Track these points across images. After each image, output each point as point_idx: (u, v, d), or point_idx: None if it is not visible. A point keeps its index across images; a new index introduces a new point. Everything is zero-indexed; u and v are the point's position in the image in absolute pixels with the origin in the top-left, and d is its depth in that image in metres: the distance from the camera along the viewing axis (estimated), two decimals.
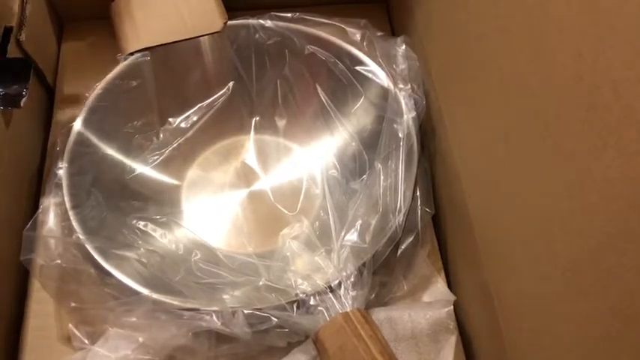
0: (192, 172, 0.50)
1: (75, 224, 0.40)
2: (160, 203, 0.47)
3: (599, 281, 0.27)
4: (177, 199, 0.48)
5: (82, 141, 0.44)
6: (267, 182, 0.49)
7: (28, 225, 0.39)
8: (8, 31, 0.45)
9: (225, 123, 0.51)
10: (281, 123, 0.51)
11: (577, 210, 0.28)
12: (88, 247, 0.37)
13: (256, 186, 0.49)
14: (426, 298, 0.41)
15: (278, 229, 0.46)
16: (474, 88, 0.39)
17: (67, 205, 0.41)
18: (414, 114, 0.43)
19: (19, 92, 0.42)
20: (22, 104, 0.42)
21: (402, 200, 0.41)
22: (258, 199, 0.49)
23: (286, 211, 0.48)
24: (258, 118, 0.52)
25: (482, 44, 0.38)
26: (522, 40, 0.33)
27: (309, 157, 0.50)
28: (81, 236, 0.39)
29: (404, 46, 0.46)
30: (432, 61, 0.46)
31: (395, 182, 0.42)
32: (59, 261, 0.37)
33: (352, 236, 0.39)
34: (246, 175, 0.50)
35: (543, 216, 0.32)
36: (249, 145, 0.52)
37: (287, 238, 0.45)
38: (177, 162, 0.50)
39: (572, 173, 0.29)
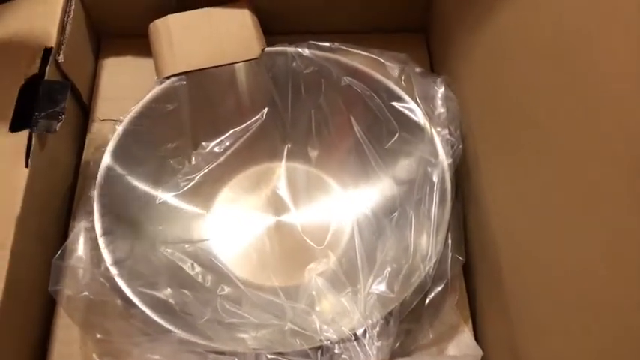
0: (222, 198, 0.50)
1: (104, 253, 0.40)
2: (189, 229, 0.47)
3: None
4: (205, 225, 0.48)
5: (114, 166, 0.44)
6: (296, 213, 0.49)
7: (58, 254, 0.39)
8: (47, 52, 0.45)
9: (257, 149, 0.51)
10: (313, 153, 0.51)
11: (616, 281, 0.27)
12: (117, 280, 0.38)
13: (285, 216, 0.49)
14: (452, 348, 0.41)
15: (304, 262, 0.46)
16: (514, 139, 0.38)
17: (97, 232, 0.41)
18: (450, 160, 0.42)
19: (55, 116, 0.43)
20: (57, 129, 0.42)
21: (433, 248, 0.40)
22: (286, 229, 0.48)
23: (313, 244, 0.47)
24: (290, 146, 0.51)
25: (525, 97, 0.37)
26: (569, 100, 0.32)
27: (339, 190, 0.50)
28: (110, 267, 0.39)
29: (443, 88, 0.45)
30: (471, 102, 0.45)
31: (427, 228, 0.41)
32: (86, 292, 0.37)
33: (380, 285, 0.39)
34: (275, 204, 0.49)
35: (578, 284, 0.31)
36: (280, 173, 0.51)
37: (313, 273, 0.45)
38: (208, 187, 0.50)
39: (612, 241, 0.28)
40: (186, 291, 0.38)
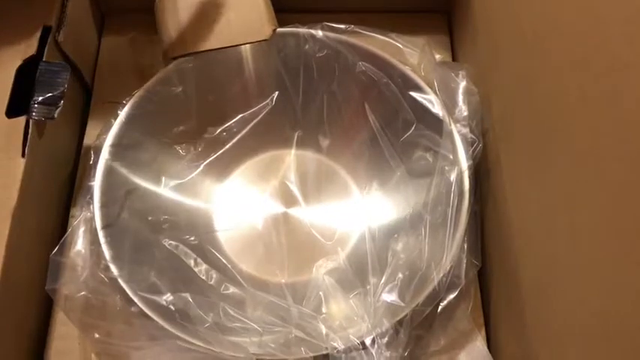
0: (229, 187, 0.48)
1: (104, 248, 0.38)
2: (194, 219, 0.46)
3: None
4: (210, 215, 0.47)
5: (115, 154, 0.42)
6: (304, 205, 0.47)
7: (55, 249, 0.38)
8: (47, 31, 0.42)
9: (266, 135, 0.48)
10: (325, 142, 0.48)
11: None
12: (118, 281, 0.36)
13: (293, 207, 0.47)
14: (463, 356, 0.39)
15: (312, 258, 0.44)
16: (543, 139, 0.35)
17: (97, 225, 0.39)
18: (470, 162, 0.40)
19: (54, 102, 0.40)
20: (56, 115, 0.40)
21: (448, 252, 0.38)
22: (294, 222, 0.47)
23: (322, 239, 0.46)
24: (300, 133, 0.49)
25: (560, 94, 0.34)
26: (610, 101, 0.29)
27: (351, 182, 0.48)
28: (109, 264, 0.37)
29: (465, 82, 0.42)
30: (495, 95, 0.42)
31: (442, 231, 0.39)
32: (85, 292, 0.36)
33: (392, 294, 0.37)
34: (283, 195, 0.47)
35: (604, 299, 0.29)
36: (289, 161, 0.49)
37: (321, 270, 0.43)
38: (214, 175, 0.48)
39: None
40: (188, 296, 0.36)
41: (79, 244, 0.39)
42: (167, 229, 0.43)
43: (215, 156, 0.47)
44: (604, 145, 0.29)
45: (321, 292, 0.41)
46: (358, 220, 0.46)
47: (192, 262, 0.41)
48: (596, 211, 0.30)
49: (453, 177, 0.40)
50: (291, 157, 0.49)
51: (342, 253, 0.45)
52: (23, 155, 0.38)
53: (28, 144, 0.39)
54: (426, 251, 0.38)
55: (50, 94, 0.41)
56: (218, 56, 0.46)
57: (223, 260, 0.42)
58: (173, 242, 0.42)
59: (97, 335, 0.36)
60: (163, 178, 0.45)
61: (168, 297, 0.36)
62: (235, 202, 0.48)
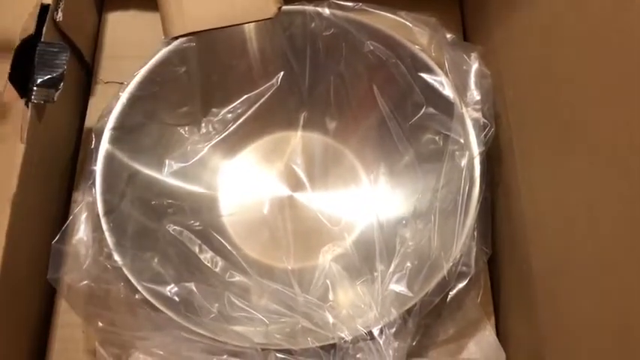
0: (234, 169, 0.47)
1: (107, 235, 0.37)
2: (198, 204, 0.45)
3: None
4: (215, 199, 0.46)
5: (116, 137, 0.41)
6: (311, 188, 0.46)
7: (57, 237, 0.37)
8: (44, 9, 0.41)
9: (271, 116, 0.47)
10: (332, 124, 0.47)
11: None
12: (124, 269, 0.35)
13: (299, 191, 0.46)
14: (473, 346, 0.38)
15: (318, 243, 0.44)
16: (558, 124, 0.34)
17: (100, 211, 0.38)
18: (482, 148, 0.39)
19: (53, 84, 0.39)
20: (55, 98, 0.39)
21: (457, 240, 0.37)
22: (300, 206, 0.46)
23: (329, 224, 0.45)
24: (306, 114, 0.48)
25: (578, 77, 0.32)
26: (626, 95, 0.28)
27: (358, 165, 0.47)
28: (113, 253, 0.36)
29: (477, 64, 0.40)
30: (508, 77, 0.40)
31: (452, 218, 0.38)
32: (87, 281, 0.35)
33: (400, 284, 0.36)
34: (289, 178, 0.47)
35: (618, 293, 0.28)
36: (295, 143, 0.48)
37: (327, 256, 0.42)
38: (219, 157, 0.47)
39: None
40: (193, 286, 0.36)
41: (81, 231, 0.38)
42: (171, 213, 0.43)
43: (219, 138, 0.46)
44: (625, 133, 0.28)
45: (327, 280, 0.40)
46: (365, 205, 0.45)
47: (196, 249, 0.40)
48: (616, 201, 0.29)
49: (463, 163, 0.39)
50: (297, 139, 0.48)
51: (349, 238, 0.44)
52: (22, 140, 0.37)
53: (27, 129, 0.37)
54: (435, 239, 0.37)
55: (49, 76, 0.39)
56: (221, 35, 0.44)
57: (228, 246, 0.42)
58: (177, 228, 0.41)
59: (100, 324, 0.36)
60: (167, 161, 0.44)
61: (172, 288, 0.35)
62: (240, 186, 0.47)
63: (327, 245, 0.43)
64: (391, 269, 0.37)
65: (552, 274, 0.34)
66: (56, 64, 0.40)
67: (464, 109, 0.40)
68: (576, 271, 0.32)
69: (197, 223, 0.43)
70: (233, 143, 0.47)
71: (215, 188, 0.46)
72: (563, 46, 0.34)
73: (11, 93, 0.38)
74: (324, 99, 0.47)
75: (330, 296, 0.39)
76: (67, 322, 0.39)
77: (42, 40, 0.40)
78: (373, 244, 0.41)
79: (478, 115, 0.39)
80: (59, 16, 0.42)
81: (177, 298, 0.35)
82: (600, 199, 0.30)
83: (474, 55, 0.41)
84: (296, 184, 0.46)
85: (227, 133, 0.46)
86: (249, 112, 0.46)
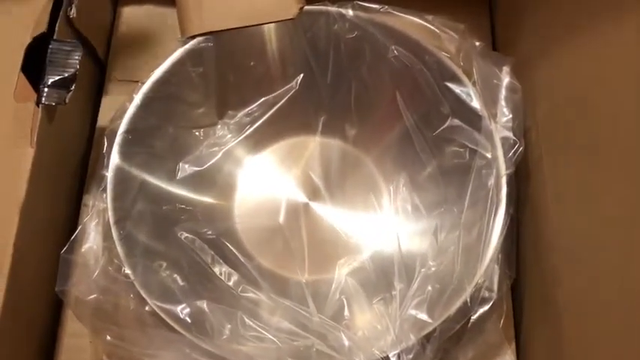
0: (249, 175, 0.46)
1: (117, 245, 0.36)
2: (211, 210, 0.44)
3: None
4: (229, 205, 0.44)
5: (129, 141, 0.40)
6: (328, 197, 0.45)
7: (66, 246, 0.36)
8: (57, 5, 0.39)
9: (289, 120, 0.46)
10: (351, 131, 0.46)
11: None
12: (135, 284, 0.34)
13: (316, 199, 0.45)
14: None
15: (334, 254, 0.42)
16: (595, 150, 0.32)
17: (111, 219, 0.37)
18: (511, 169, 0.37)
19: (65, 85, 0.38)
20: (67, 100, 0.37)
21: (480, 266, 0.36)
22: (316, 215, 0.44)
23: (345, 235, 0.43)
24: (325, 119, 0.46)
25: (615, 101, 0.31)
26: None
27: (377, 176, 0.45)
28: (123, 264, 0.35)
29: (508, 77, 0.38)
30: (541, 92, 0.39)
31: (476, 240, 0.36)
32: (96, 295, 0.34)
33: (420, 309, 0.34)
34: (306, 185, 0.45)
35: None
36: (313, 148, 0.46)
37: (344, 270, 0.41)
38: (234, 161, 0.45)
39: None
40: (205, 305, 0.34)
41: (91, 239, 0.37)
42: (183, 220, 0.41)
43: (235, 142, 0.44)
44: None
45: (343, 296, 0.39)
46: (384, 217, 0.43)
47: (209, 260, 0.39)
48: None
49: (490, 183, 0.37)
50: (315, 144, 0.46)
51: (366, 252, 0.42)
52: (32, 144, 0.36)
53: (37, 132, 0.36)
54: (459, 262, 0.36)
55: (61, 77, 0.38)
56: (240, 35, 0.42)
57: (241, 258, 0.40)
58: (190, 236, 0.40)
59: (108, 338, 0.35)
60: (180, 165, 0.43)
61: (184, 308, 0.34)
62: (255, 191, 0.45)
63: (344, 258, 0.42)
64: (411, 292, 0.35)
65: (580, 306, 0.33)
66: (69, 63, 0.38)
67: (492, 125, 0.39)
68: (606, 306, 0.31)
69: (210, 231, 0.41)
70: (249, 147, 0.46)
71: (229, 193, 0.45)
72: (602, 57, 0.32)
73: (21, 94, 0.37)
74: (344, 104, 0.45)
75: (346, 313, 0.38)
76: (75, 332, 0.38)
77: (55, 37, 0.39)
78: (391, 260, 0.40)
79: (509, 133, 0.38)
80: (73, 12, 0.40)
81: (189, 320, 0.34)
82: (639, 229, 0.28)
83: (505, 69, 0.39)
84: (312, 192, 0.45)
85: (243, 136, 0.44)
86: (267, 116, 0.45)
